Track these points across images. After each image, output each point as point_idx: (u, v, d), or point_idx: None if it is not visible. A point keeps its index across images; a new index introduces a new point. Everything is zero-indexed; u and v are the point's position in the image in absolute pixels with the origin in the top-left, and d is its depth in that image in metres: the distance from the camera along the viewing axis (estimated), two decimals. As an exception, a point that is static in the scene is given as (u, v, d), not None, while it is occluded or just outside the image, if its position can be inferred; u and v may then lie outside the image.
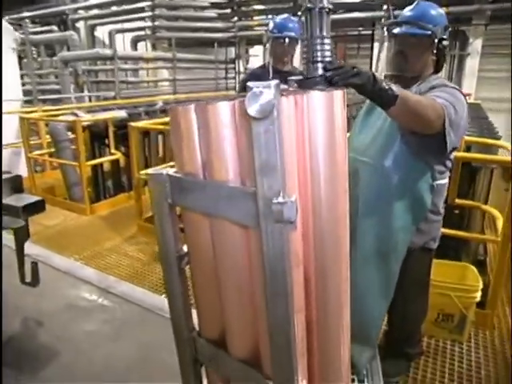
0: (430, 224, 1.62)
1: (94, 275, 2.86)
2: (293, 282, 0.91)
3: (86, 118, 4.13)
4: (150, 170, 1.13)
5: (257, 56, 10.00)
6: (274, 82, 0.76)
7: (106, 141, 4.50)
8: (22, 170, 4.54)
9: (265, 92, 0.74)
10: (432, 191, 1.54)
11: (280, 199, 0.82)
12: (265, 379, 1.07)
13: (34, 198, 1.96)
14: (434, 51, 1.54)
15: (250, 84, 0.75)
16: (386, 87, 1.24)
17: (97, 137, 4.52)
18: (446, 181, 1.61)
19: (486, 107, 5.47)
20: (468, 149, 2.76)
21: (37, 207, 1.93)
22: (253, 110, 0.73)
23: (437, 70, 1.62)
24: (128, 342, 2.15)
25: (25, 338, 2.21)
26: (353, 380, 1.48)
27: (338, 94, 0.94)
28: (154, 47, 10.61)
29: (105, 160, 4.47)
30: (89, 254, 3.23)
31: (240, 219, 0.94)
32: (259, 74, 2.56)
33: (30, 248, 3.09)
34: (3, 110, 4.16)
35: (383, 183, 1.54)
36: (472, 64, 7.29)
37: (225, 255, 1.07)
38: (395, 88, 1.26)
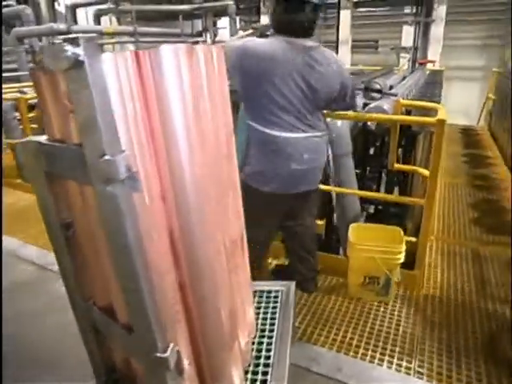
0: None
1: (35, 252, 2.83)
2: (147, 242, 0.90)
3: (32, 95, 3.98)
4: (19, 140, 1.10)
5: (225, 28, 9.75)
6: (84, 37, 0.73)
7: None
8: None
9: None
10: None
11: (106, 157, 0.79)
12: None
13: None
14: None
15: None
16: None
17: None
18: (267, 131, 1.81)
19: (460, 76, 5.44)
20: (408, 113, 2.77)
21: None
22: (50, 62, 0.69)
23: (276, 29, 1.83)
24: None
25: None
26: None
27: (182, 49, 0.91)
28: (118, 21, 10.27)
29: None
30: (34, 232, 3.17)
31: (88, 181, 0.92)
32: None
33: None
34: None
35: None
36: (437, 31, 7.24)
37: (91, 220, 1.05)
38: None
